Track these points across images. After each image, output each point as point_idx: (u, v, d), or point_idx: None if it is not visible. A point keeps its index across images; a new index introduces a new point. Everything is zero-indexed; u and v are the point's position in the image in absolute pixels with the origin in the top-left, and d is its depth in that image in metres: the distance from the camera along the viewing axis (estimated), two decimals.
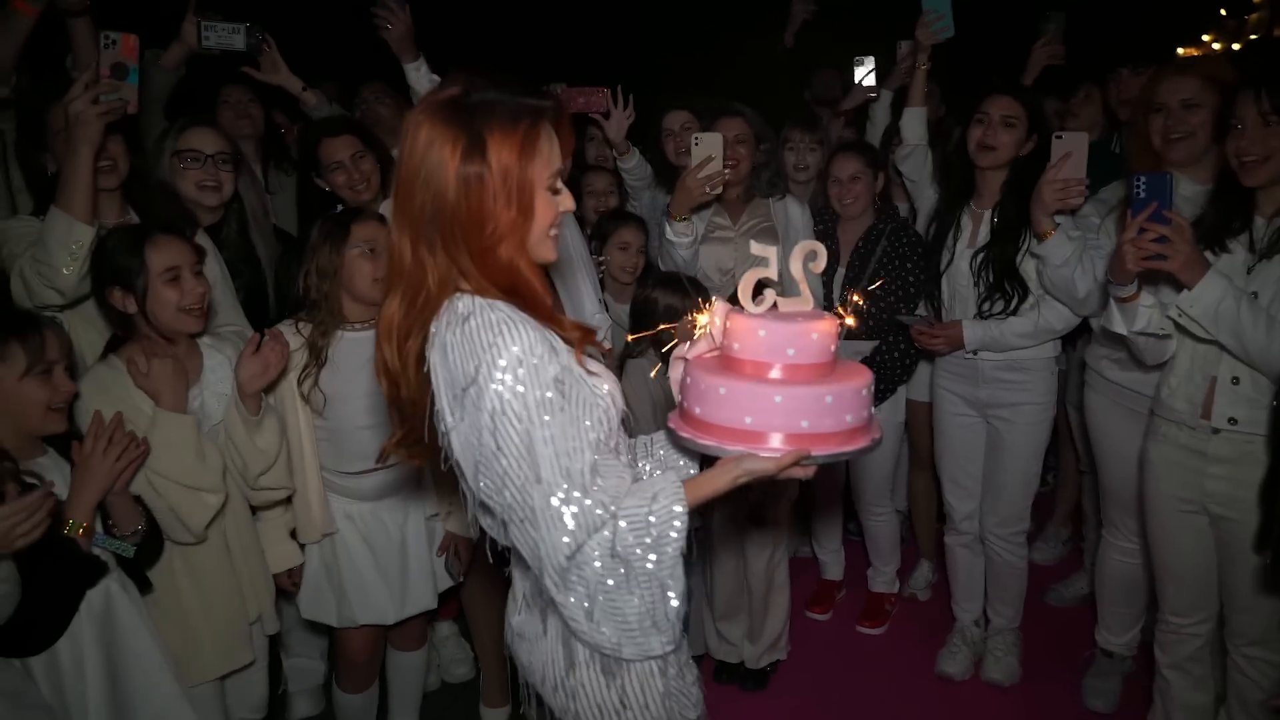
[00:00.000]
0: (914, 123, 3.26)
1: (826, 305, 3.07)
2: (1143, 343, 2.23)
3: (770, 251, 1.41)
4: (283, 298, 2.57)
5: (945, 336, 2.82)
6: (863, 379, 1.35)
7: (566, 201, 1.40)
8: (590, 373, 1.36)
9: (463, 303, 1.31)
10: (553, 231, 1.39)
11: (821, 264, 1.41)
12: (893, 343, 3.09)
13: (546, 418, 1.26)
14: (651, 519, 1.27)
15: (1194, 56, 2.62)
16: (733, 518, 2.92)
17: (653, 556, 1.27)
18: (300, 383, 2.27)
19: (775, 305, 1.41)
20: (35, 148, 2.41)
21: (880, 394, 3.12)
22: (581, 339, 1.37)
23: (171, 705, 1.94)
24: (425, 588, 2.46)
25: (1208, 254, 2.12)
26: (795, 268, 1.41)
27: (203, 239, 2.51)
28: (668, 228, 2.80)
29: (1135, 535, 2.77)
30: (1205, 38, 8.11)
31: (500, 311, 1.29)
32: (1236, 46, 7.72)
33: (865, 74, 3.74)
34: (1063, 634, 3.24)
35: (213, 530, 2.12)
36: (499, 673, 2.91)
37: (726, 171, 2.76)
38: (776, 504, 2.92)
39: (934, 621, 3.31)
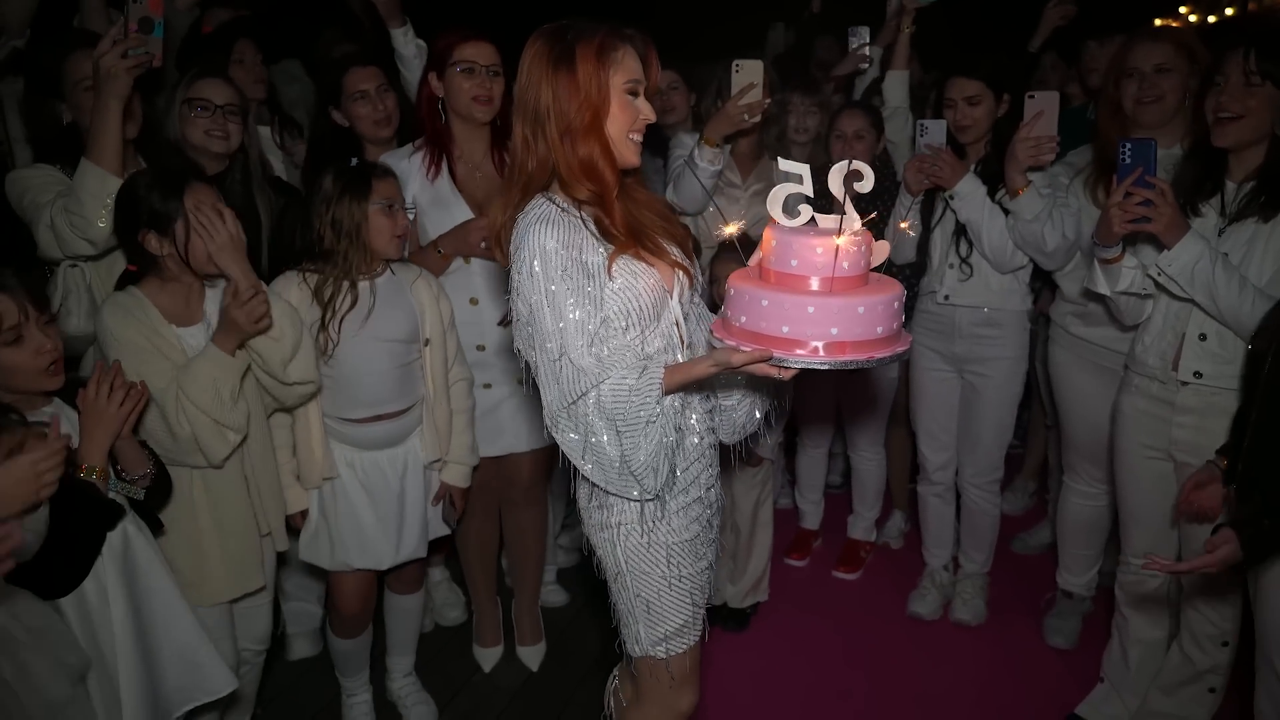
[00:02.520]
0: (896, 86, 3.30)
1: None
2: (1124, 302, 2.31)
3: (803, 169, 1.48)
4: (279, 251, 2.57)
5: (949, 165, 2.73)
6: (889, 292, 1.42)
7: (646, 110, 1.64)
8: (613, 274, 1.60)
9: (532, 201, 1.61)
10: (633, 136, 1.64)
11: (868, 185, 1.48)
12: None
13: (550, 301, 1.56)
14: (631, 386, 1.56)
15: (1165, 25, 2.63)
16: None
17: (626, 418, 1.56)
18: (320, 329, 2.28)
19: (813, 220, 1.49)
20: (49, 98, 2.39)
21: None
22: (625, 243, 1.62)
23: (192, 636, 1.99)
24: (418, 536, 2.49)
25: None
26: (834, 186, 1.46)
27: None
28: (696, 151, 2.81)
29: (1095, 480, 2.90)
30: (1182, 9, 8.17)
31: (539, 210, 1.59)
32: (1212, 19, 7.79)
33: (859, 44, 3.76)
34: (1027, 578, 3.36)
35: (232, 455, 2.15)
36: (491, 613, 2.99)
37: (767, 100, 2.74)
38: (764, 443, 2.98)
39: (906, 567, 3.41)
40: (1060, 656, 2.98)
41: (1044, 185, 2.66)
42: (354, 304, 2.30)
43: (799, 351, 1.41)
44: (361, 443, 2.40)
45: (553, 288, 1.56)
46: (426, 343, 2.43)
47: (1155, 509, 2.39)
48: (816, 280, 1.44)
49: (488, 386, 2.66)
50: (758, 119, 2.75)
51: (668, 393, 1.58)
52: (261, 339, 2.11)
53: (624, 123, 1.61)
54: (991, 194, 2.76)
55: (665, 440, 1.59)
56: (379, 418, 2.38)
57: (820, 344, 1.40)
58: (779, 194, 1.48)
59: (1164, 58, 2.45)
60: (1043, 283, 3.00)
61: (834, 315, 1.39)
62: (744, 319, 1.48)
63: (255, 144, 2.70)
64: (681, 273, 1.70)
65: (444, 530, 2.59)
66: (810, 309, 1.40)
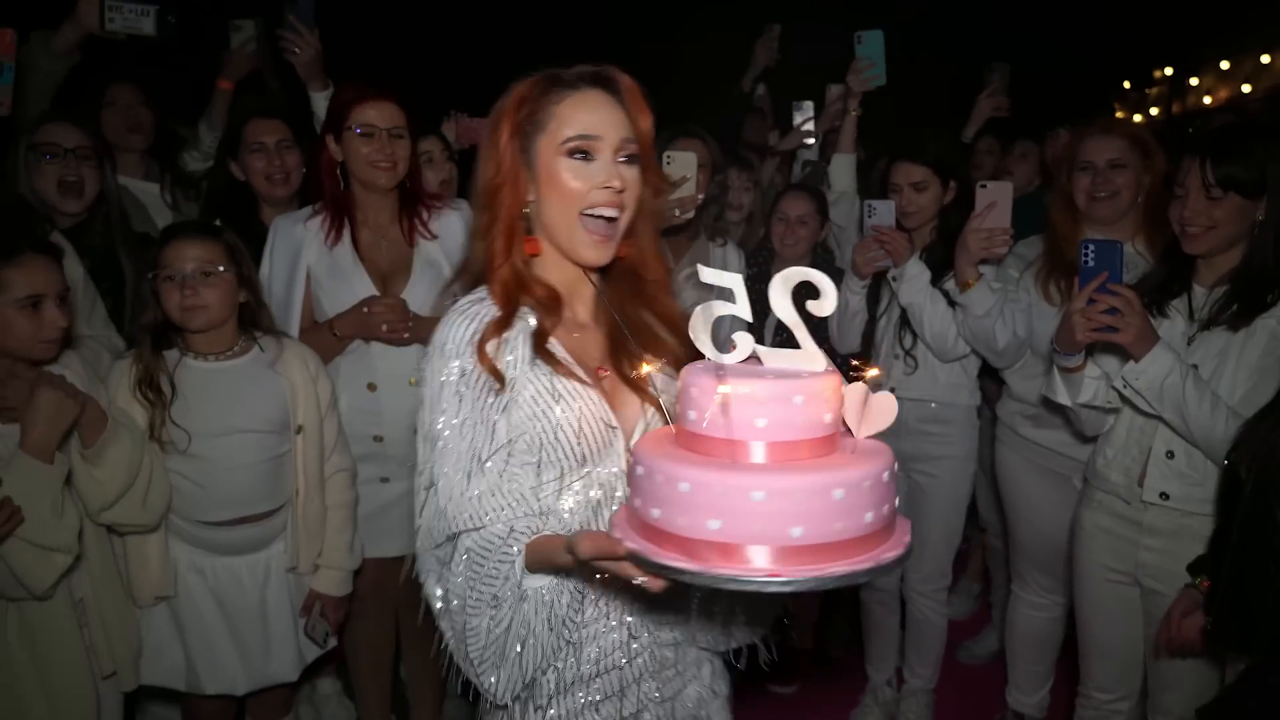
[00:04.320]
0: (842, 170, 3.19)
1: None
2: (1085, 414, 2.14)
3: (735, 280, 1.02)
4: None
5: (895, 244, 2.54)
6: (880, 461, 0.96)
7: (606, 175, 1.20)
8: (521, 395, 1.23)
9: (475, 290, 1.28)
10: (590, 214, 1.21)
11: (829, 306, 1.00)
12: None
13: (434, 411, 1.20)
14: (490, 544, 1.17)
15: (1118, 119, 2.55)
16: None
17: (475, 583, 1.17)
18: (151, 424, 1.95)
19: (756, 355, 1.04)
20: None
21: None
22: (560, 364, 1.22)
23: None
24: (287, 656, 2.13)
25: None
26: (779, 305, 1.01)
27: (59, 239, 2.20)
28: None
29: (1046, 590, 2.70)
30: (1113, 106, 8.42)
31: (465, 301, 1.26)
32: (1138, 118, 8.02)
33: (804, 119, 3.63)
34: (975, 693, 3.09)
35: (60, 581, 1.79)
36: None
37: (700, 195, 2.54)
38: None
39: (847, 679, 3.12)
40: None
41: (994, 279, 2.51)
42: (174, 392, 1.96)
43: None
44: (216, 548, 2.06)
45: (441, 408, 1.19)
46: (299, 430, 2.11)
47: (1120, 638, 2.16)
48: (761, 446, 0.94)
49: (385, 480, 2.35)
50: (690, 214, 2.54)
51: (533, 572, 1.15)
52: (83, 471, 1.77)
53: (569, 198, 1.21)
54: (937, 282, 2.59)
55: (519, 634, 1.15)
56: (242, 520, 2.05)
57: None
58: (705, 319, 1.03)
59: (1118, 153, 2.36)
60: (988, 377, 2.82)
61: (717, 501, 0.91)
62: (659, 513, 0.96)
63: (115, 194, 2.38)
64: (654, 409, 1.26)
65: (319, 651, 2.23)
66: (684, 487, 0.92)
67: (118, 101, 2.84)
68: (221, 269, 1.99)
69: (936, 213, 2.65)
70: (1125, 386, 1.97)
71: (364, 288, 2.27)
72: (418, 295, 2.28)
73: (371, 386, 2.30)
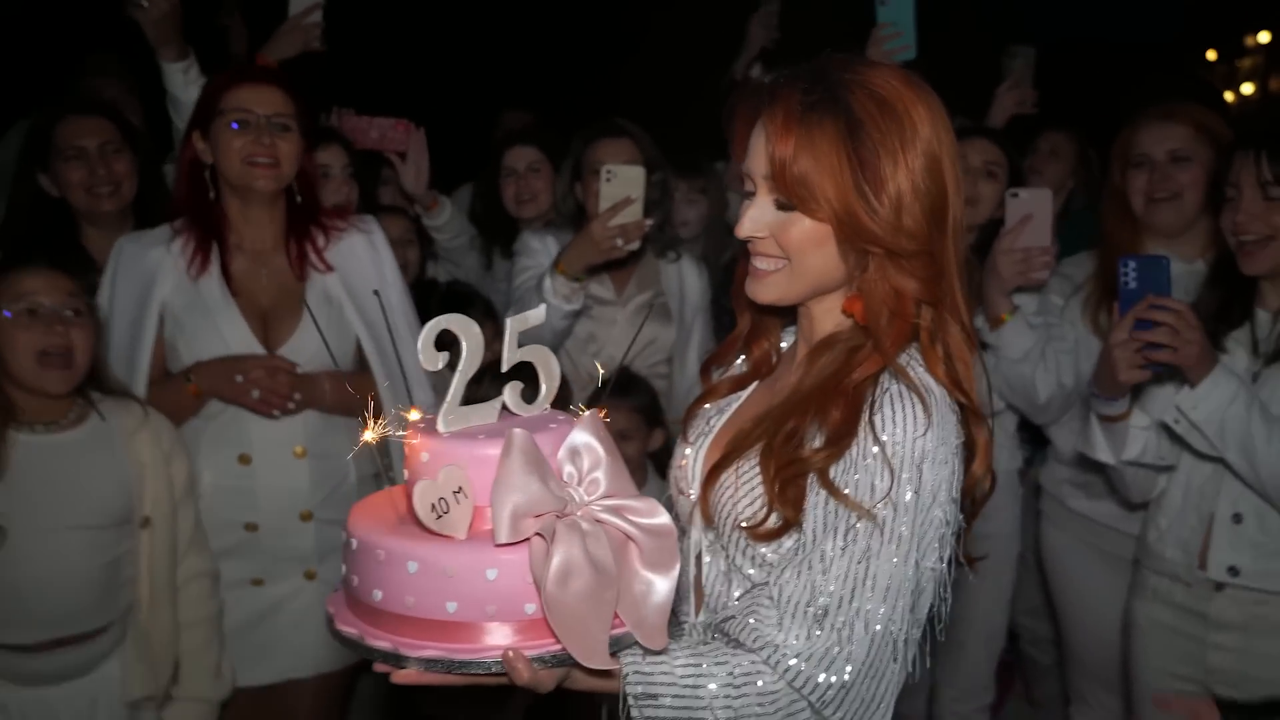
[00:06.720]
0: None
1: None
2: (1131, 475, 2.17)
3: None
4: None
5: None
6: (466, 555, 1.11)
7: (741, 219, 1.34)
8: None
9: None
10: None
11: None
12: None
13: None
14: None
15: (1181, 103, 2.58)
16: None
17: None
18: None
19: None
20: None
21: None
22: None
23: None
24: None
25: None
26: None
27: None
28: (547, 282, 2.55)
29: (1113, 714, 2.67)
30: (1209, 55, 8.56)
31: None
32: (1229, 97, 8.12)
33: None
34: None
35: None
36: None
37: (648, 221, 2.57)
38: None
39: None
40: None
41: (1034, 313, 2.53)
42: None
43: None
44: (24, 677, 2.03)
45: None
46: (145, 523, 2.09)
47: None
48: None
49: (258, 583, 2.31)
50: (635, 246, 2.55)
51: None
52: None
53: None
54: None
55: None
56: (59, 643, 2.02)
57: None
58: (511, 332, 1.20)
59: (1180, 142, 2.41)
60: (1030, 434, 2.86)
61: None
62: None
63: None
64: None
65: None
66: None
67: None
68: (81, 309, 2.00)
69: None
70: (1178, 420, 2.01)
71: (237, 332, 2.25)
72: (308, 346, 2.26)
73: (244, 459, 2.28)
